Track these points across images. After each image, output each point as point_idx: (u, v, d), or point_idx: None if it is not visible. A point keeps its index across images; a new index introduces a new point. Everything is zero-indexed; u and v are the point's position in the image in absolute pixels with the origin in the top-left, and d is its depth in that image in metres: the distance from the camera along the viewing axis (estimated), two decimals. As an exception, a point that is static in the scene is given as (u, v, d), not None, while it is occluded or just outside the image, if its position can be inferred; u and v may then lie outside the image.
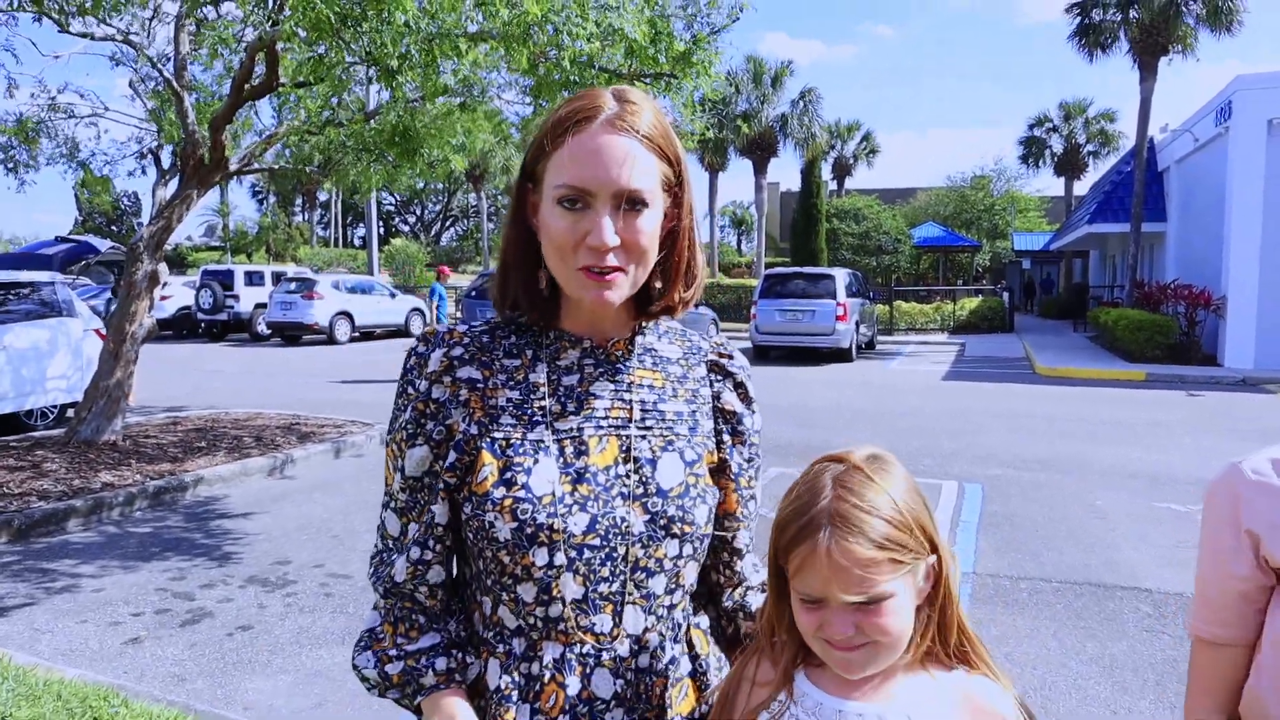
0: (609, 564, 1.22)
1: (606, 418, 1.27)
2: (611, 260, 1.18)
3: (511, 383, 1.26)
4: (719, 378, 1.39)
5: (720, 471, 1.35)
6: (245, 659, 4.39)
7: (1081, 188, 43.28)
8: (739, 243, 71.67)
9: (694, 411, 1.33)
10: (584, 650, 1.23)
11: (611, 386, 1.29)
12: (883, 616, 1.13)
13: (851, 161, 49.03)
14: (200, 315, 25.58)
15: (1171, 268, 22.79)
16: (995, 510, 7.14)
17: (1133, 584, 5.46)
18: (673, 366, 1.36)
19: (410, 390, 1.27)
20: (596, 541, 1.20)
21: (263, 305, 25.06)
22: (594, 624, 1.22)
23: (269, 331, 24.71)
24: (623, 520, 1.22)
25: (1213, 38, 22.42)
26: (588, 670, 1.23)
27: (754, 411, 1.40)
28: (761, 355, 19.87)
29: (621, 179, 1.17)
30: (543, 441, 1.23)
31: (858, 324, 19.72)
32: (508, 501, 1.18)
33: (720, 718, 1.27)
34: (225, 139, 8.29)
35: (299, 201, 60.00)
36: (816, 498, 1.17)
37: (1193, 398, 13.98)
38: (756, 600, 1.40)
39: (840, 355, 19.32)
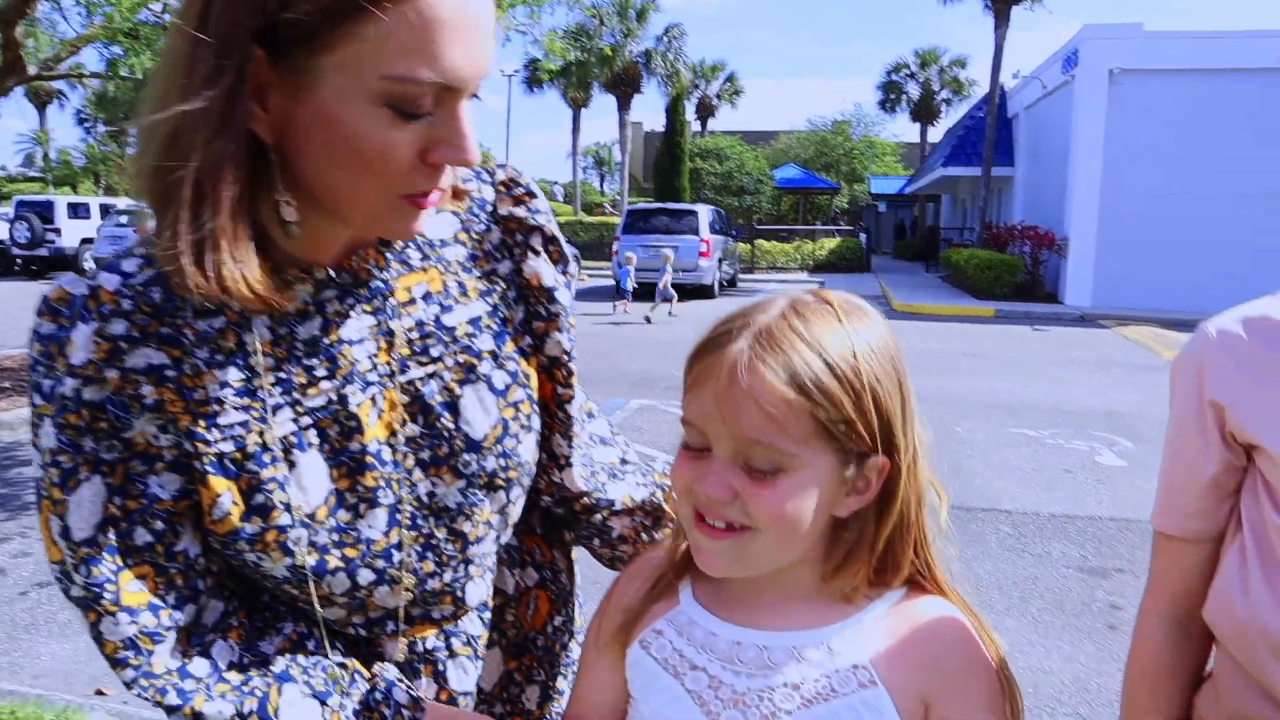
0: (429, 555, 0.91)
1: (374, 368, 0.87)
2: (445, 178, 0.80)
3: (219, 356, 0.80)
4: (517, 236, 0.97)
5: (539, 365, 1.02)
6: (40, 620, 3.84)
7: (935, 134, 44.62)
8: (601, 183, 71.10)
9: (495, 307, 0.95)
10: (428, 645, 0.96)
11: (370, 319, 0.87)
12: (773, 493, 0.80)
13: (715, 102, 49.01)
14: (15, 250, 23.36)
15: (1019, 210, 23.71)
16: (859, 440, 7.12)
17: (994, 506, 5.49)
18: (451, 249, 0.94)
19: (43, 400, 0.78)
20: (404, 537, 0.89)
21: (90, 240, 23.11)
22: (431, 614, 0.95)
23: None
24: (430, 495, 0.89)
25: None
26: (440, 669, 0.96)
27: (569, 276, 1.01)
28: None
29: (487, 63, 0.76)
30: (293, 436, 0.82)
31: (720, 261, 19.74)
32: (270, 535, 0.81)
33: (593, 642, 0.98)
34: (21, 39, 7.29)
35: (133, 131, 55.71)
36: (757, 310, 0.85)
37: (1038, 332, 14.56)
38: (618, 490, 1.09)
39: (703, 291, 19.29)
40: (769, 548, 0.83)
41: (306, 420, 0.83)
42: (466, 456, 0.90)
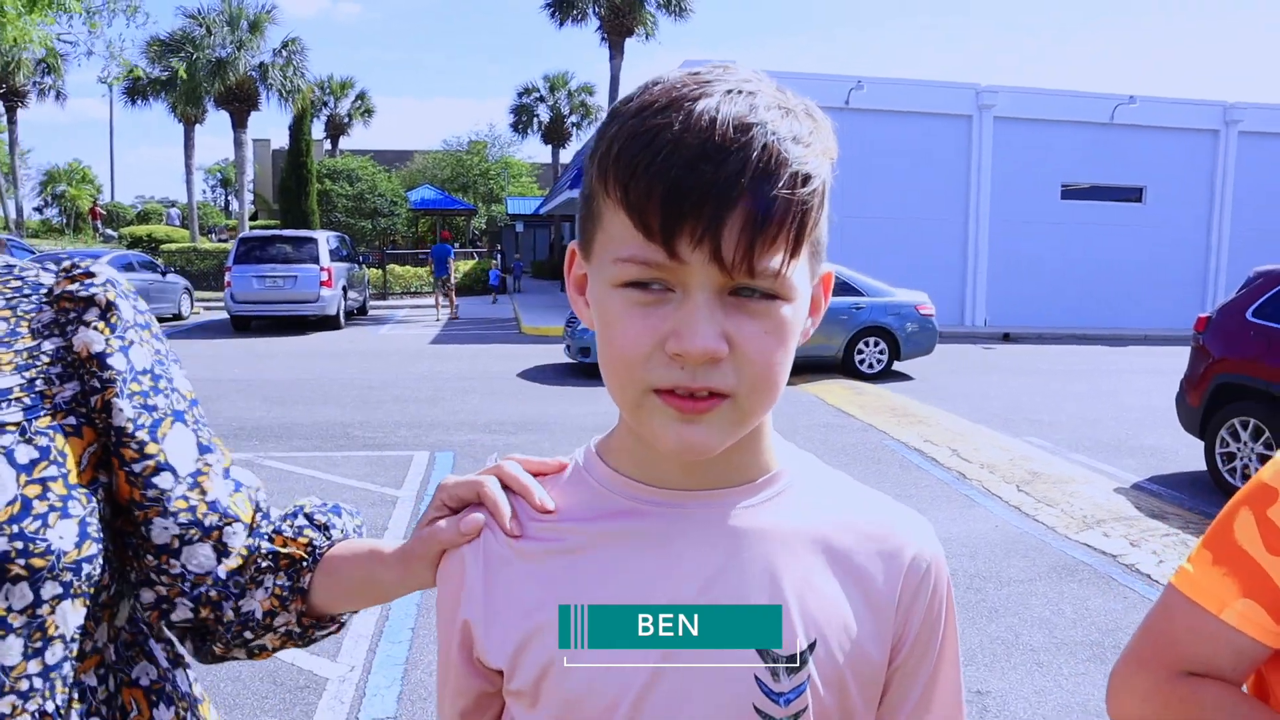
0: None
1: None
2: None
3: None
4: (70, 313, 0.94)
5: (97, 447, 0.93)
6: None
7: (567, 155, 46.28)
8: (228, 204, 66.14)
9: (32, 381, 0.90)
10: None
11: None
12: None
13: (346, 121, 47.34)
14: None
15: (639, 231, 25.17)
16: (461, 480, 6.99)
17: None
18: None
19: None
20: None
21: None
22: None
23: None
24: None
25: (671, 23, 24.93)
26: None
27: (133, 340, 0.95)
28: (241, 327, 18.24)
29: None
30: None
31: (345, 289, 18.95)
32: None
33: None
34: None
35: None
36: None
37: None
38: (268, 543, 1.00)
39: (328, 322, 18.41)
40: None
41: None
42: None
